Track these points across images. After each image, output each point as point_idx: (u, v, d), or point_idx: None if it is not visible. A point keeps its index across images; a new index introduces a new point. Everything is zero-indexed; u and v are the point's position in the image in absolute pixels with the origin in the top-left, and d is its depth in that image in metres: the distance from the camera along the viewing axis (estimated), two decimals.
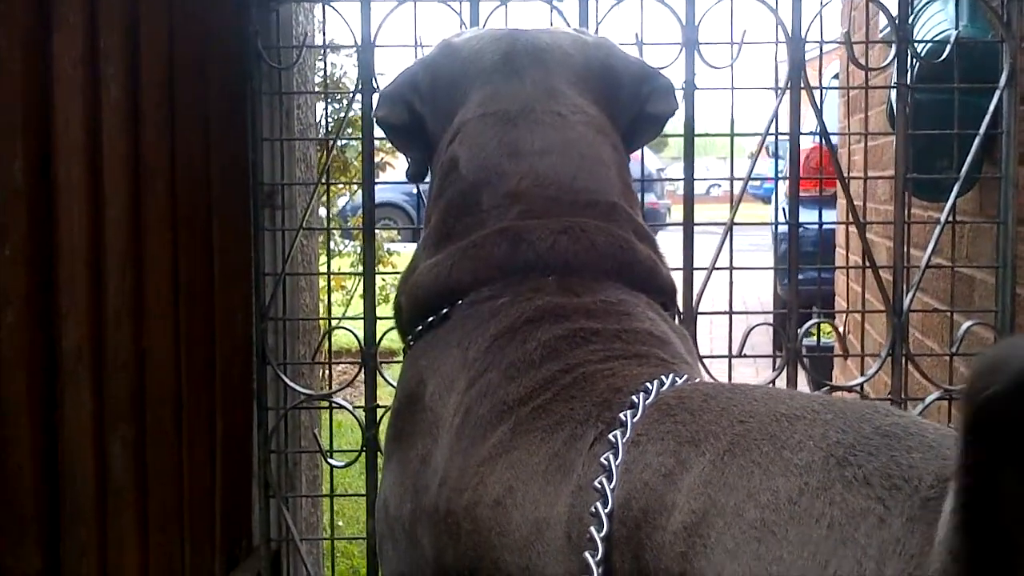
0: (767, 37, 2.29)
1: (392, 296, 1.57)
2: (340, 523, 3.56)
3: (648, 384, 1.04)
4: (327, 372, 2.73)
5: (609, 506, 0.94)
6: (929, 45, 2.38)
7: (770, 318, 2.52)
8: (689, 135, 2.27)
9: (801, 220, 2.29)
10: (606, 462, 0.96)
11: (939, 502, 0.73)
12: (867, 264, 2.35)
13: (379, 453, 2.25)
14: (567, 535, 0.98)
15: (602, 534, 0.93)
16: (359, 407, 2.42)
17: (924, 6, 2.58)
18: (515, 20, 2.24)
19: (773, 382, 2.32)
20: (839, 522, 0.76)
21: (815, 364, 2.49)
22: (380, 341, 2.32)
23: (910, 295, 2.27)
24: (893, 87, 2.33)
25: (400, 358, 1.52)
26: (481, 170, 1.39)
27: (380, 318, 2.28)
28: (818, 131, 2.36)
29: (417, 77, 1.53)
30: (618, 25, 2.37)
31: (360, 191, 2.62)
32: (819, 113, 2.33)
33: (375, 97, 1.94)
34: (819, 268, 3.01)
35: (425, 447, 1.22)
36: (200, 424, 2.13)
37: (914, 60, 2.30)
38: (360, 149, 2.41)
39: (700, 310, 2.30)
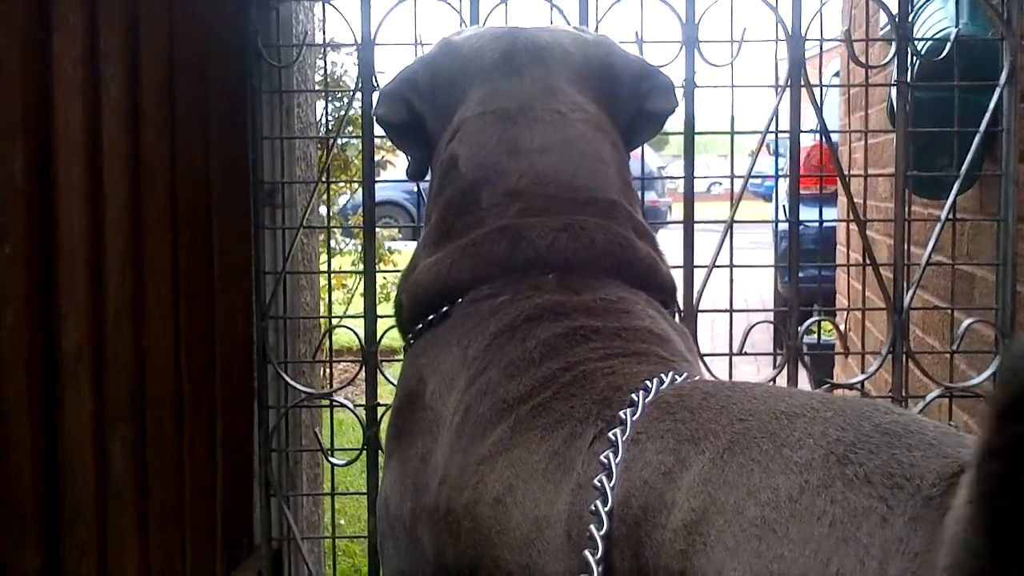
0: (767, 35, 2.30)
1: (393, 294, 1.57)
2: (341, 522, 3.56)
3: (648, 382, 1.04)
4: (328, 371, 2.73)
5: (609, 504, 0.94)
6: (929, 43, 2.38)
7: (771, 316, 2.52)
8: (689, 133, 2.27)
9: (802, 218, 2.29)
10: (606, 460, 0.96)
11: (942, 500, 0.72)
12: (868, 262, 2.35)
13: (380, 451, 2.25)
14: (567, 533, 0.98)
15: (602, 532, 0.93)
16: (360, 405, 2.42)
17: (924, 4, 2.58)
18: (515, 18, 2.24)
19: (774, 380, 2.32)
20: (841, 520, 0.76)
21: (816, 362, 2.49)
22: (381, 339, 2.32)
23: (911, 293, 2.27)
24: (893, 85, 2.33)
25: (401, 356, 1.52)
26: (481, 168, 1.39)
27: (381, 316, 2.28)
28: (818, 129, 2.36)
29: (417, 75, 1.53)
30: (618, 23, 2.37)
31: (361, 189, 2.62)
32: (819, 111, 2.33)
33: (375, 95, 1.94)
34: (820, 266, 3.01)
35: (425, 445, 1.22)
36: (200, 423, 2.13)
37: (914, 58, 2.30)
38: (360, 147, 2.40)
39: (701, 308, 2.30)
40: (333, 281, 4.18)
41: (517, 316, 1.23)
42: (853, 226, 2.74)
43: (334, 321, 2.56)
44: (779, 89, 2.26)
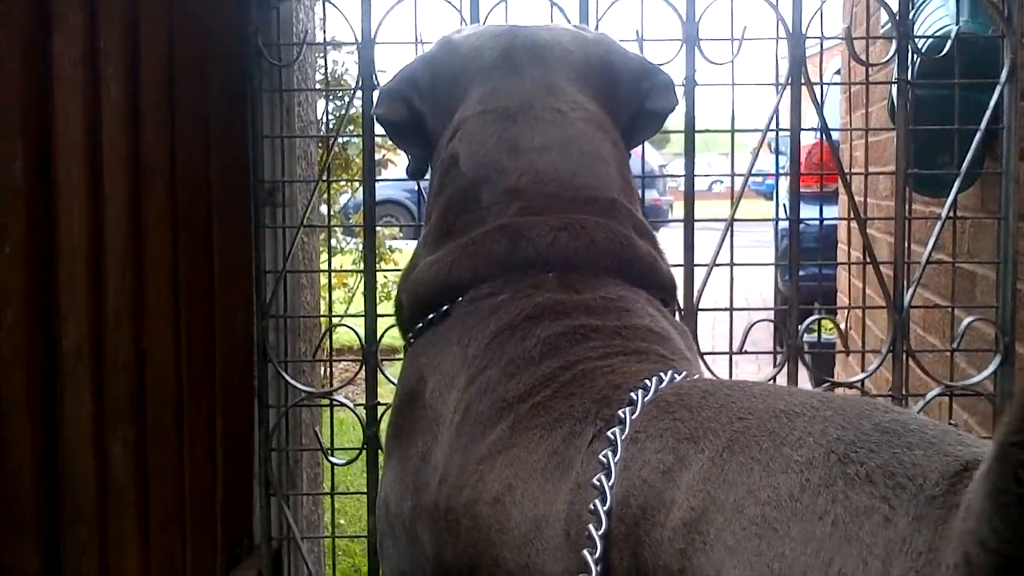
0: (768, 33, 2.29)
1: (393, 293, 1.57)
2: (341, 521, 3.56)
3: (647, 381, 1.04)
4: (328, 370, 2.73)
5: (608, 503, 0.94)
6: (930, 41, 2.38)
7: (771, 314, 2.52)
8: (690, 131, 2.26)
9: (802, 216, 2.28)
10: (605, 459, 0.96)
11: (946, 499, 0.72)
12: (868, 260, 2.34)
13: (380, 451, 2.25)
14: (566, 532, 0.97)
15: (600, 531, 0.93)
16: (360, 405, 2.42)
17: (925, 2, 2.57)
18: (515, 16, 2.23)
19: (774, 378, 2.31)
20: (843, 520, 0.76)
21: (816, 360, 2.49)
22: (381, 338, 2.32)
23: (911, 291, 2.27)
24: (894, 83, 2.33)
25: (401, 355, 1.52)
26: (481, 167, 1.39)
27: (381, 315, 2.27)
28: (819, 127, 2.36)
29: (416, 74, 1.52)
30: (618, 21, 2.37)
31: (361, 188, 2.62)
32: (820, 109, 2.33)
33: (376, 94, 1.94)
34: (820, 264, 3.00)
35: (425, 444, 1.22)
36: (201, 423, 2.13)
37: (915, 56, 2.30)
38: (361, 146, 2.40)
39: (701, 306, 2.30)
40: (334, 280, 4.18)
41: (517, 315, 1.23)
42: (854, 224, 2.74)
43: (334, 320, 2.56)
44: (780, 87, 2.26)
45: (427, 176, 1.56)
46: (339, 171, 4.92)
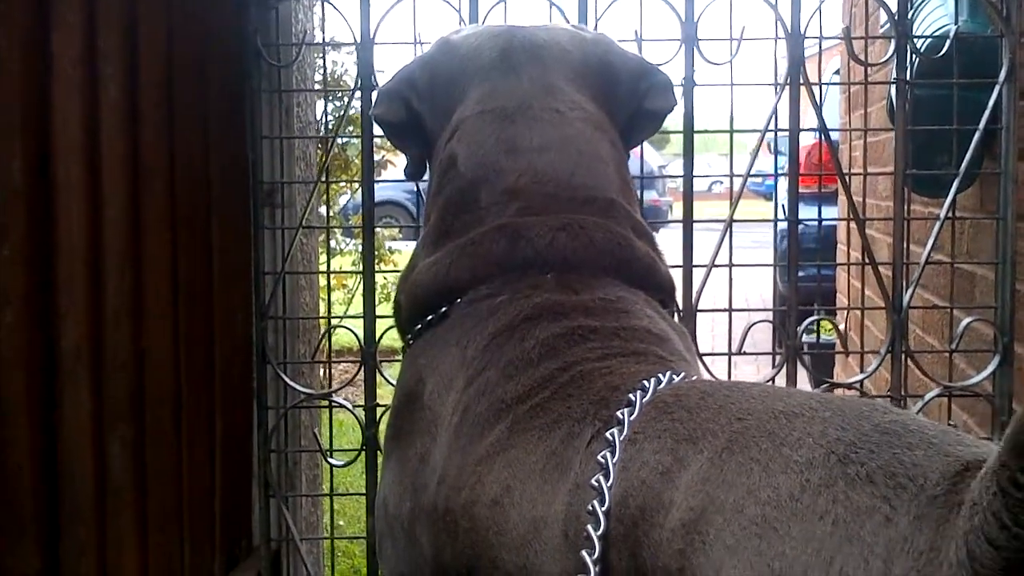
0: (767, 33, 2.29)
1: (392, 294, 1.57)
2: (340, 522, 3.55)
3: (646, 382, 1.04)
4: (327, 371, 2.73)
5: (606, 504, 0.94)
6: (929, 40, 2.38)
7: (770, 315, 2.52)
8: (689, 131, 2.26)
9: (801, 217, 2.28)
10: (603, 460, 0.96)
11: (947, 499, 0.72)
12: (867, 260, 2.34)
13: (379, 452, 2.25)
14: (564, 533, 0.97)
15: (599, 532, 0.93)
16: (359, 406, 2.41)
17: (924, 1, 2.57)
18: (514, 16, 2.24)
19: (773, 379, 2.31)
20: (844, 519, 0.76)
21: (815, 361, 2.49)
22: (380, 340, 2.32)
23: (910, 291, 2.27)
24: (893, 83, 2.33)
25: (400, 357, 1.52)
26: (479, 167, 1.39)
27: (380, 317, 2.27)
28: (818, 127, 2.36)
29: (415, 75, 1.52)
30: (617, 21, 2.37)
31: (360, 189, 2.62)
32: (819, 109, 2.33)
33: (375, 94, 1.94)
34: (819, 265, 3.00)
35: (424, 446, 1.22)
36: (200, 424, 2.13)
37: (914, 56, 2.30)
38: (360, 147, 2.40)
39: (700, 307, 2.29)
40: (333, 281, 4.18)
41: (516, 316, 1.23)
42: (853, 225, 2.74)
43: (333, 321, 2.55)
44: (779, 87, 2.26)
45: (426, 177, 1.56)
46: (338, 172, 4.92)
